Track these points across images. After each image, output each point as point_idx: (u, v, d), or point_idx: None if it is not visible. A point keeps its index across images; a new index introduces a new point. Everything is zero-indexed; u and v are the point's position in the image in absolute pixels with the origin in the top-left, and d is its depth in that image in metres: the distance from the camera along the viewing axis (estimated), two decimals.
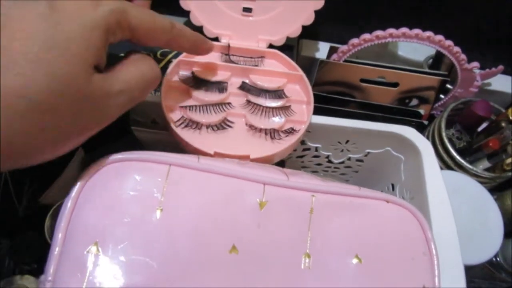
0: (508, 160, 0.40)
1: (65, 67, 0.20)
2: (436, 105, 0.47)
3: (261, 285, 0.25)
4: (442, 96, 0.47)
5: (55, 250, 0.24)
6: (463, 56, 0.41)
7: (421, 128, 0.45)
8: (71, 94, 0.21)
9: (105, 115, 0.24)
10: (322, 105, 0.43)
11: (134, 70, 0.25)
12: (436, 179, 0.35)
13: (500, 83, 0.48)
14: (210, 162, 0.28)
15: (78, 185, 0.25)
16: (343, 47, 0.41)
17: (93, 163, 0.26)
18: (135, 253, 0.24)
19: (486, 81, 0.47)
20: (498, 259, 0.41)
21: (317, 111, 0.42)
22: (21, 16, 0.20)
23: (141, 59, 0.26)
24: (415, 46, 0.42)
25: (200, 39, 0.30)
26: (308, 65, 0.46)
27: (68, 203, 0.25)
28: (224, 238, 0.25)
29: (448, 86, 0.47)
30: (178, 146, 0.38)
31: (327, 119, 0.37)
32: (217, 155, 0.32)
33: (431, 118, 0.47)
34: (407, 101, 0.44)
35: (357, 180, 0.46)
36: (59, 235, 0.24)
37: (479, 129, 0.45)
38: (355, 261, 0.26)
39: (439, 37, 0.39)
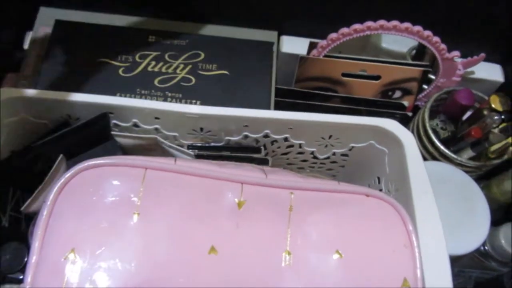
0: (493, 148, 0.40)
1: None
2: (420, 96, 0.47)
3: (242, 285, 0.25)
4: (425, 86, 0.47)
5: (32, 258, 0.24)
6: (443, 46, 0.41)
7: (406, 120, 0.45)
8: None
9: None
10: (305, 101, 0.43)
11: None
12: (419, 170, 0.34)
13: (484, 70, 0.48)
14: (187, 163, 0.28)
15: (53, 192, 0.25)
16: (322, 42, 0.41)
17: (69, 169, 0.26)
18: (113, 258, 0.24)
19: (469, 70, 0.47)
20: (486, 247, 0.41)
21: (300, 107, 0.42)
22: None
23: None
24: (397, 37, 0.42)
25: None
26: (289, 62, 0.46)
27: (44, 211, 0.25)
28: (202, 239, 0.25)
29: (431, 76, 0.47)
30: (161, 151, 0.38)
31: (308, 115, 0.36)
32: None
33: (415, 109, 0.47)
34: (390, 93, 0.44)
35: (344, 174, 0.46)
36: (35, 244, 0.24)
37: (464, 118, 0.45)
38: (335, 256, 0.26)
39: (418, 28, 0.39)
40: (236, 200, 0.27)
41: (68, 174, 0.26)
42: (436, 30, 0.41)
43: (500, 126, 0.39)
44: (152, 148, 0.37)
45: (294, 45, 0.47)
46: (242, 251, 0.26)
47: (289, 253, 0.26)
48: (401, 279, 0.26)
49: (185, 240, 0.25)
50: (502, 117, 0.39)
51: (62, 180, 0.26)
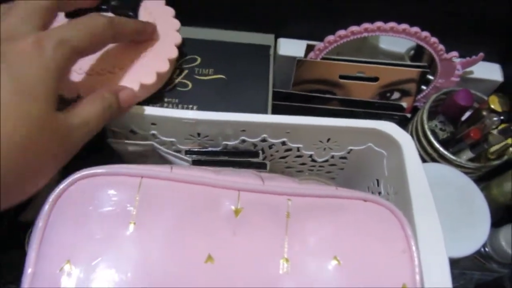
0: (492, 149, 0.39)
1: (32, 110, 0.24)
2: (419, 96, 0.47)
3: None
4: (424, 87, 0.47)
5: (28, 270, 0.24)
6: (441, 47, 0.41)
7: (405, 121, 0.45)
8: (43, 131, 0.24)
9: (70, 145, 0.27)
10: (303, 104, 0.43)
11: (90, 108, 0.28)
12: (417, 172, 0.34)
13: (483, 70, 0.48)
14: (184, 171, 0.28)
15: (49, 202, 0.25)
16: (319, 45, 0.40)
17: (64, 179, 0.26)
18: (109, 269, 0.24)
19: (468, 70, 0.46)
20: (486, 249, 0.40)
21: (298, 110, 0.42)
22: None
23: (96, 100, 0.29)
24: (396, 38, 0.41)
25: (142, 24, 0.33)
26: (287, 64, 0.46)
27: (40, 222, 0.25)
28: (199, 248, 0.25)
29: (430, 77, 0.46)
30: (158, 157, 0.38)
31: (305, 119, 0.36)
32: None
33: (415, 110, 0.47)
34: (388, 95, 0.43)
35: (343, 177, 0.46)
36: (31, 255, 0.24)
37: (463, 118, 0.44)
38: (333, 262, 0.26)
39: (415, 29, 0.39)
40: (233, 207, 0.27)
41: (63, 184, 0.26)
42: (434, 30, 0.41)
43: (500, 127, 0.38)
44: (149, 155, 0.37)
45: (291, 48, 0.47)
46: (239, 259, 0.25)
47: (287, 260, 0.26)
48: (399, 285, 0.26)
49: (181, 249, 0.25)
50: (501, 117, 0.38)
51: (57, 190, 0.26)
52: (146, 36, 0.34)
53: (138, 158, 0.38)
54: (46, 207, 0.25)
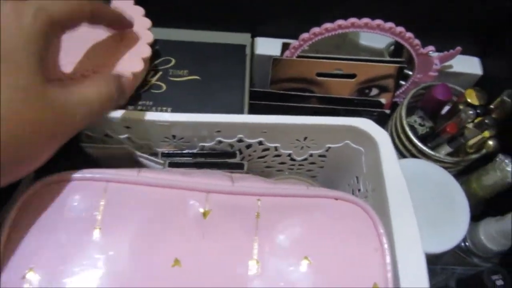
0: (470, 143, 0.39)
1: (18, 78, 0.22)
2: (398, 92, 0.47)
3: None
4: (403, 82, 0.47)
5: None
6: (416, 41, 0.40)
7: (384, 118, 0.45)
8: (32, 101, 0.23)
9: (69, 122, 0.25)
10: (281, 103, 0.43)
11: (93, 87, 0.27)
12: (393, 169, 0.34)
13: (462, 64, 0.48)
14: (151, 174, 0.28)
15: (13, 210, 0.25)
16: (295, 43, 0.40)
17: (29, 185, 0.26)
18: (74, 275, 0.23)
19: (447, 64, 0.46)
20: (467, 244, 0.40)
21: (276, 109, 0.42)
22: None
23: (100, 80, 0.28)
24: (375, 34, 0.41)
25: (118, 12, 0.32)
26: (265, 64, 0.46)
27: (3, 230, 0.24)
28: (166, 252, 0.25)
29: (409, 72, 0.46)
30: (133, 160, 0.37)
31: (280, 118, 0.36)
32: None
33: (395, 106, 0.47)
34: (366, 91, 0.43)
35: (324, 175, 0.45)
36: None
37: (442, 113, 0.44)
38: (304, 262, 0.26)
39: (389, 25, 0.39)
40: (201, 209, 0.27)
41: (28, 191, 0.26)
42: (412, 26, 0.41)
43: (476, 121, 0.38)
44: (124, 158, 0.37)
45: (268, 47, 0.46)
46: (207, 262, 0.25)
47: (257, 262, 0.26)
48: (370, 284, 0.26)
49: (148, 253, 0.25)
50: (478, 111, 0.38)
51: (24, 196, 0.25)
52: (123, 24, 0.33)
53: (114, 162, 0.38)
54: (11, 213, 0.25)
